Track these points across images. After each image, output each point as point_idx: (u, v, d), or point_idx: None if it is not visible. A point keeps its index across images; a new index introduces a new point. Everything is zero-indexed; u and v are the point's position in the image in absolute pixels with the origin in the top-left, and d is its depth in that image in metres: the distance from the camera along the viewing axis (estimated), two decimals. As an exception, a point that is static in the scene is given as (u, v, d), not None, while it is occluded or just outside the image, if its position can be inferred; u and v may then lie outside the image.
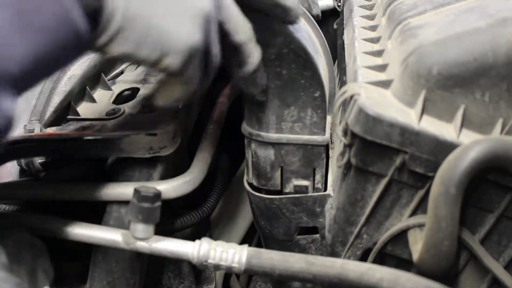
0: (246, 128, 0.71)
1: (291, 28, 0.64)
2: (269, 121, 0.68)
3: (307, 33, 0.68)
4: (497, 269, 0.57)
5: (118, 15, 0.48)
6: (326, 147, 0.70)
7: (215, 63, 0.57)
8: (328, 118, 0.71)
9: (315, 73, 0.65)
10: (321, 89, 0.66)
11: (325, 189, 0.72)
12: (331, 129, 0.75)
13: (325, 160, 0.71)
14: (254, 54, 0.60)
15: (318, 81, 0.66)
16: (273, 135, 0.69)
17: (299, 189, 0.71)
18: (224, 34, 0.57)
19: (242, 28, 0.58)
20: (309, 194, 0.71)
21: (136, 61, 0.53)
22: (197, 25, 0.53)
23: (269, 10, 0.61)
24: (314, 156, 0.70)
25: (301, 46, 0.63)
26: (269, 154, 0.70)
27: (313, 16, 0.69)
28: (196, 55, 0.54)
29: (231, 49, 0.58)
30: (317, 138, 0.69)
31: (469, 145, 0.52)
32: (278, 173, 0.71)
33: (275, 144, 0.69)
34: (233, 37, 0.57)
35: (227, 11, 0.57)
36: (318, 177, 0.71)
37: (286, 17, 0.62)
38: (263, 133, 0.69)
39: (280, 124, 0.68)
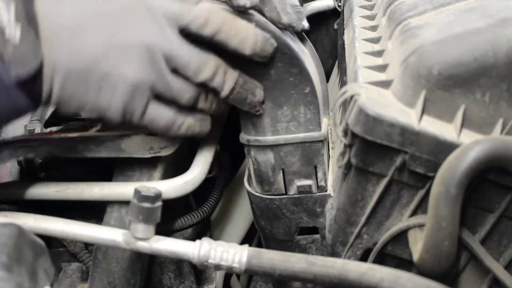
0: (243, 136, 0.71)
1: (274, 27, 0.64)
2: (265, 125, 0.68)
3: (290, 36, 0.68)
4: (498, 269, 0.57)
5: (53, 100, 0.53)
6: (324, 143, 0.70)
7: (176, 97, 0.60)
8: (325, 120, 0.71)
9: (302, 69, 0.65)
10: (310, 85, 0.66)
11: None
12: (330, 130, 0.75)
13: (325, 156, 0.71)
14: (226, 82, 0.62)
15: (307, 77, 0.66)
16: (270, 138, 0.69)
17: (303, 189, 0.71)
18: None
19: (200, 69, 0.60)
20: (309, 194, 0.71)
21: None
22: (127, 93, 0.57)
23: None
24: (313, 154, 0.70)
25: (284, 43, 0.64)
26: (269, 158, 0.70)
27: (297, 30, 0.70)
28: (134, 109, 0.58)
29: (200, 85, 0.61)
30: (314, 135, 0.69)
31: (469, 145, 0.52)
32: (280, 176, 0.71)
33: (273, 147, 0.69)
34: (196, 80, 0.60)
35: (180, 58, 0.59)
36: (320, 174, 0.71)
37: (287, 29, 0.65)
38: (260, 138, 0.69)
39: (275, 126, 0.68)
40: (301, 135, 0.69)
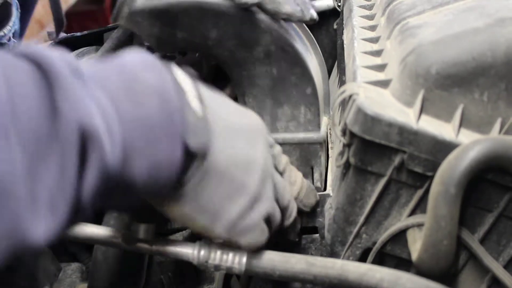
0: None
1: (280, 26, 0.64)
2: (264, 123, 0.68)
3: (296, 33, 0.68)
4: (497, 268, 0.57)
5: (189, 194, 0.50)
6: (323, 145, 0.70)
7: (274, 223, 0.59)
8: (324, 119, 0.71)
9: (305, 70, 0.65)
10: (312, 85, 0.66)
11: (325, 189, 0.72)
12: (330, 129, 0.75)
13: (322, 158, 0.71)
14: (293, 210, 0.63)
15: (309, 78, 0.66)
16: None
17: None
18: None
19: (286, 194, 0.60)
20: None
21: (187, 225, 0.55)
22: (247, 204, 0.53)
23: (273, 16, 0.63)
24: (310, 155, 0.70)
25: (288, 43, 0.64)
26: None
27: (306, 21, 0.69)
28: (246, 227, 0.55)
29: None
30: (313, 136, 0.69)
31: (469, 144, 0.52)
32: None
33: None
34: (281, 202, 0.59)
35: (278, 185, 0.58)
36: (316, 175, 0.71)
37: (290, 19, 0.65)
38: None
39: (275, 124, 0.68)
40: (300, 135, 0.69)
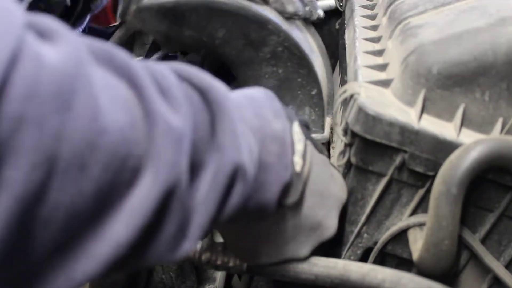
0: None
1: (286, 27, 0.64)
2: None
3: (302, 34, 0.68)
4: (498, 268, 0.57)
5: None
6: (325, 145, 0.70)
7: None
8: (328, 120, 0.70)
9: (311, 71, 0.65)
10: (317, 86, 0.66)
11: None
12: (331, 129, 0.75)
13: None
14: None
15: (314, 79, 0.66)
16: None
17: None
18: None
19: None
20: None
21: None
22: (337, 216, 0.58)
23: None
24: None
25: (295, 44, 0.64)
26: None
27: (313, 20, 0.70)
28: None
29: None
30: (316, 136, 0.69)
31: (471, 144, 0.52)
32: None
33: None
34: None
35: None
36: None
37: (293, 18, 0.66)
38: None
39: None
40: None
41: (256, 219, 0.51)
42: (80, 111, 0.30)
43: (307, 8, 0.71)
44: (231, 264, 0.58)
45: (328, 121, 0.72)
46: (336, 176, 0.59)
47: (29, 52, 0.28)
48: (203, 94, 0.41)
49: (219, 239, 0.60)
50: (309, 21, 0.72)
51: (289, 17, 0.65)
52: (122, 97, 0.34)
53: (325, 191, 0.55)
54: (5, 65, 0.27)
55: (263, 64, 0.65)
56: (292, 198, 0.50)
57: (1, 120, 0.27)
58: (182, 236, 0.39)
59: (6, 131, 0.27)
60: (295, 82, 0.66)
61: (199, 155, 0.40)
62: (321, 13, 0.70)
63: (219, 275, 0.93)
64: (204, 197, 0.40)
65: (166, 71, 0.39)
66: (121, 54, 0.36)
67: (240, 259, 0.56)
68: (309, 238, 0.55)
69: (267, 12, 0.64)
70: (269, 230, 0.53)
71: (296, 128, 0.50)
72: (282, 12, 0.65)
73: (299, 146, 0.50)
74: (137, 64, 0.37)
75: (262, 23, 0.62)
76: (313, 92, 0.67)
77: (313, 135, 0.69)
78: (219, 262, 0.58)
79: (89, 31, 1.04)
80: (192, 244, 0.40)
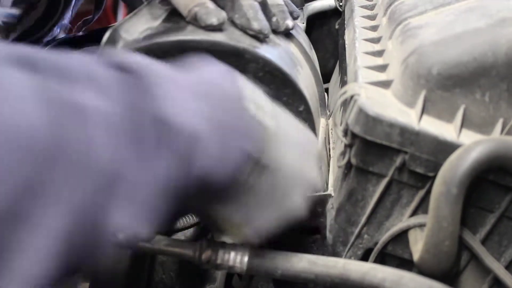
0: None
1: (265, 50, 0.64)
2: None
3: (282, 49, 0.68)
4: (498, 269, 0.57)
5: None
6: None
7: None
8: (322, 121, 0.71)
9: (296, 90, 0.65)
10: (304, 103, 0.66)
11: (326, 189, 0.72)
12: (331, 130, 0.75)
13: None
14: None
15: (300, 96, 0.66)
16: None
17: None
18: None
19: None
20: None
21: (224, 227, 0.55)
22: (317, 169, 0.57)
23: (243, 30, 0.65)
24: None
25: (276, 67, 0.64)
26: None
27: (281, 31, 0.69)
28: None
29: None
30: None
31: (471, 145, 0.52)
32: None
33: None
34: None
35: None
36: None
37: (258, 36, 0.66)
38: None
39: None
40: None
41: (238, 185, 0.50)
42: None
43: (273, 19, 0.70)
44: (231, 263, 0.58)
45: (322, 122, 0.72)
46: (304, 130, 0.58)
47: None
48: (133, 74, 0.41)
49: (219, 239, 0.60)
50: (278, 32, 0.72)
51: (254, 35, 0.65)
52: (33, 90, 0.35)
53: (298, 144, 0.55)
54: None
55: None
56: (260, 152, 0.49)
57: None
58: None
59: None
60: (281, 101, 0.66)
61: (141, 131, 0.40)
62: (290, 23, 0.69)
63: (219, 275, 0.93)
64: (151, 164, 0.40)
65: (93, 60, 0.41)
66: (40, 53, 0.38)
67: (243, 239, 0.56)
68: (296, 189, 0.54)
69: (242, 41, 0.64)
70: (255, 192, 0.51)
71: (248, 84, 0.50)
72: (247, 29, 0.65)
73: (257, 100, 0.50)
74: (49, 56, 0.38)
75: (238, 54, 0.62)
76: (301, 109, 0.67)
77: None
78: (219, 262, 0.58)
79: (90, 33, 1.04)
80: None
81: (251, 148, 0.48)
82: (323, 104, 0.72)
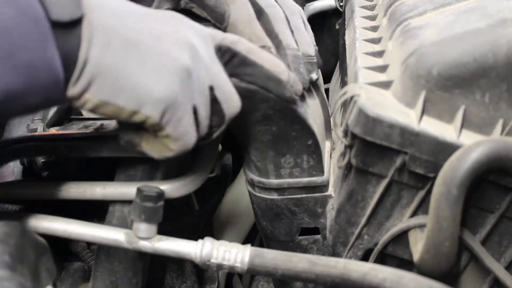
0: (247, 173, 0.72)
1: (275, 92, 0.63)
2: (268, 169, 0.70)
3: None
4: (498, 269, 0.57)
5: (91, 64, 0.47)
6: (327, 186, 0.72)
7: (204, 123, 0.55)
8: (327, 144, 0.72)
9: (305, 125, 0.66)
10: (313, 137, 0.67)
11: (327, 190, 0.72)
12: (333, 131, 0.76)
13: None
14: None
15: (309, 131, 0.67)
16: (273, 181, 0.70)
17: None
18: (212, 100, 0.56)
19: (230, 98, 0.57)
20: (310, 195, 0.71)
21: (113, 113, 0.51)
22: (175, 78, 0.51)
23: (262, 86, 0.61)
24: (316, 199, 0.71)
25: (286, 106, 0.64)
26: (273, 196, 0.72)
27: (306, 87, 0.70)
28: (176, 109, 0.52)
29: (217, 116, 0.57)
30: (316, 180, 0.70)
31: (471, 146, 0.52)
32: None
33: (278, 189, 0.71)
34: (221, 106, 0.56)
35: (216, 76, 0.55)
36: (323, 221, 0.72)
37: (281, 92, 0.61)
38: (264, 180, 0.71)
39: (279, 171, 0.70)
40: (305, 180, 0.70)
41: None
42: None
43: (306, 78, 0.69)
44: (232, 263, 0.58)
45: (327, 145, 0.73)
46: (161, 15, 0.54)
47: None
48: None
49: (219, 238, 0.60)
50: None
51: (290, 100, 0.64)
52: None
53: (141, 43, 0.50)
54: None
55: (256, 125, 0.66)
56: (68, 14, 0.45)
57: None
58: None
59: None
60: (290, 136, 0.67)
61: None
62: (314, 76, 0.70)
63: (220, 275, 0.94)
64: None
65: None
66: None
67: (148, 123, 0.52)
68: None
69: (252, 82, 0.63)
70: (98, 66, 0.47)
71: None
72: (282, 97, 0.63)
73: None
74: None
75: (247, 96, 0.62)
76: (309, 142, 0.68)
77: (314, 179, 0.70)
78: (220, 262, 0.58)
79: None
80: None
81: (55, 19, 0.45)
82: (328, 128, 0.74)
